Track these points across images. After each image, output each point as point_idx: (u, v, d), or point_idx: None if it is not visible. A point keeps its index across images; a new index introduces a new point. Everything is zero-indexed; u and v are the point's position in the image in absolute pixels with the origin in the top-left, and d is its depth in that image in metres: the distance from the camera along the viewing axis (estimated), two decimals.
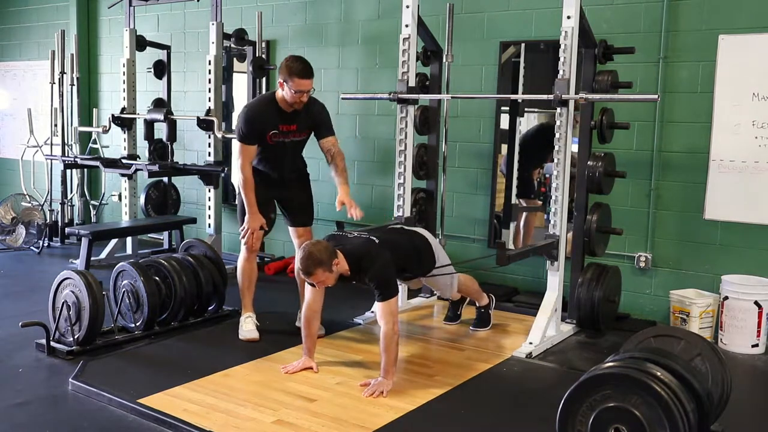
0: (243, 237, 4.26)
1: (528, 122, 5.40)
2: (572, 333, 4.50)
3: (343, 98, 5.19)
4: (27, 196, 7.29)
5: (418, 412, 3.26)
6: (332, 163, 4.22)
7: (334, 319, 4.51)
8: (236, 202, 5.77)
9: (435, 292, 4.83)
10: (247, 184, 4.17)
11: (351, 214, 4.05)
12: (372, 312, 4.58)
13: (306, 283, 3.73)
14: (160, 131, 6.39)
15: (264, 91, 6.42)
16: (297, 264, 3.47)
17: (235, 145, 4.21)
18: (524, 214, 5.45)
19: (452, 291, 4.33)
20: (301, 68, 3.98)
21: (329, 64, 6.20)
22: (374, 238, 3.71)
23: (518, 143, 5.36)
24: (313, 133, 4.29)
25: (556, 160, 4.15)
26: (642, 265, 4.86)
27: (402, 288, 4.74)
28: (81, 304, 3.89)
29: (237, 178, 4.23)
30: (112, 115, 6.42)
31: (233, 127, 6.65)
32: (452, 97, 4.83)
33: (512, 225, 5.41)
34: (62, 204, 7.13)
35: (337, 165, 4.19)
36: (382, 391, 3.41)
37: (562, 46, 4.07)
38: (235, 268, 4.51)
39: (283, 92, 4.05)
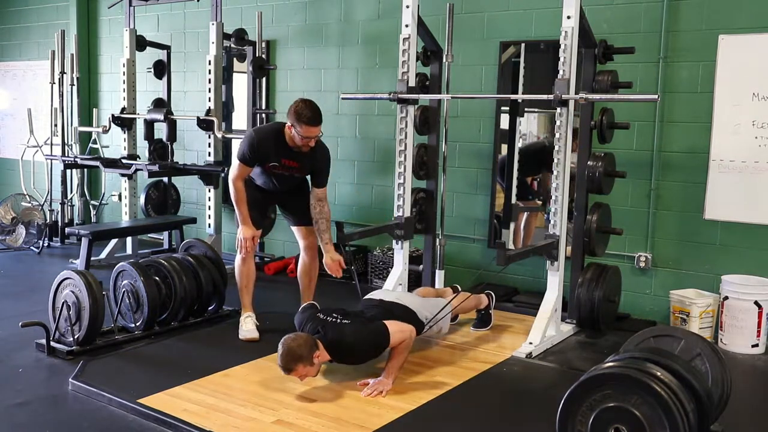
0: (238, 248, 4.34)
1: (528, 123, 5.40)
2: (572, 333, 4.50)
3: (343, 98, 5.19)
4: (27, 196, 7.29)
5: (418, 412, 3.26)
6: (320, 217, 4.33)
7: None
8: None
9: None
10: (239, 196, 4.25)
11: (337, 273, 4.25)
12: None
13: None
14: (160, 131, 6.38)
15: (264, 91, 6.43)
16: (278, 360, 3.37)
17: (234, 161, 4.30)
18: (525, 214, 5.44)
19: (445, 332, 4.23)
20: (310, 116, 4.04)
21: (329, 64, 6.20)
22: (347, 322, 3.58)
23: (517, 152, 5.35)
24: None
25: (556, 160, 4.15)
26: (642, 265, 4.86)
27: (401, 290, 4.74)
28: (81, 304, 3.89)
29: (230, 190, 4.30)
30: (112, 115, 6.42)
31: (233, 128, 6.69)
32: (452, 97, 4.83)
33: (512, 225, 5.41)
34: (62, 204, 7.13)
35: (327, 221, 4.34)
36: (381, 391, 3.41)
37: (562, 46, 4.07)
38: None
39: (292, 133, 4.10)
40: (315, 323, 3.58)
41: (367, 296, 4.09)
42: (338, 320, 3.56)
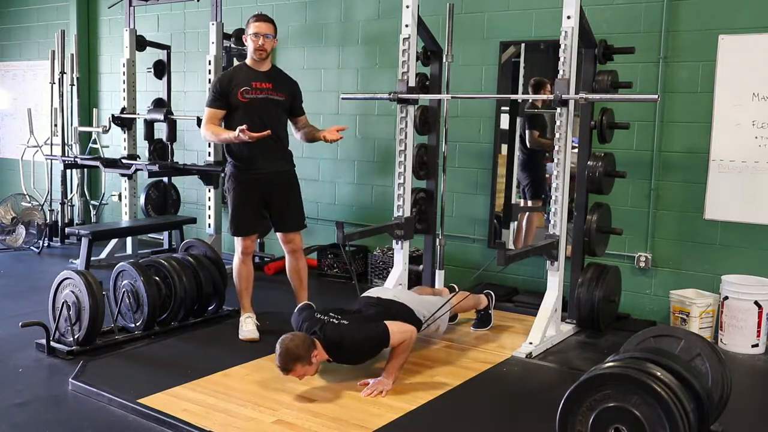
0: (244, 135, 3.97)
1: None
2: (572, 333, 4.50)
3: (343, 98, 5.19)
4: (27, 196, 7.29)
5: (418, 412, 3.26)
6: (304, 129, 4.43)
7: None
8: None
9: None
10: (215, 131, 4.18)
11: (334, 137, 4.27)
12: None
13: None
14: (160, 131, 6.38)
15: None
16: (276, 360, 3.35)
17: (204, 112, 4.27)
18: (527, 213, 5.44)
19: (442, 331, 4.23)
20: (258, 15, 4.19)
21: (329, 64, 6.20)
22: (345, 322, 3.56)
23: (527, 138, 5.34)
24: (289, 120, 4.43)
25: (556, 160, 4.15)
26: (642, 265, 4.86)
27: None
28: (81, 304, 3.89)
29: (204, 135, 4.28)
30: (112, 115, 6.42)
31: None
32: (452, 97, 4.82)
33: (512, 225, 5.41)
34: (62, 204, 7.13)
35: (315, 128, 4.45)
36: (381, 391, 3.41)
37: (562, 46, 4.07)
38: None
39: (247, 45, 4.19)
40: (312, 323, 3.57)
41: (364, 294, 4.08)
42: (336, 320, 3.55)
